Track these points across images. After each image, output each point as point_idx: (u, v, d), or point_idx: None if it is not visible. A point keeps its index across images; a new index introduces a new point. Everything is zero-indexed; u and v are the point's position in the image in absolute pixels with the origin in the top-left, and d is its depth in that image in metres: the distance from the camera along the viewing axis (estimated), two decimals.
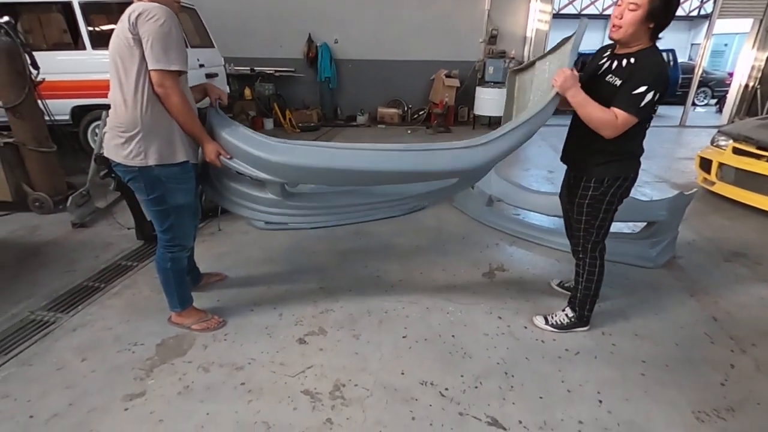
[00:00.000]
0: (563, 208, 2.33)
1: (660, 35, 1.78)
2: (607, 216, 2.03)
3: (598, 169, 1.93)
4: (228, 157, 1.93)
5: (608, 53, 1.90)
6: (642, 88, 1.69)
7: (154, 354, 2.08)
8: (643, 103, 1.70)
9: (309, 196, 2.23)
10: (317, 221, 2.09)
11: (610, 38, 1.82)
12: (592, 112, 1.78)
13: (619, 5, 1.74)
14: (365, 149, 1.98)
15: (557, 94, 1.82)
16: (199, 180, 2.10)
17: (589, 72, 1.95)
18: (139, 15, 1.67)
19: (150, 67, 1.71)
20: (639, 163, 1.97)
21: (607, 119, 1.76)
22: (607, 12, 16.99)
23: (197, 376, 1.95)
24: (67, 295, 2.55)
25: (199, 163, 2.03)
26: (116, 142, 1.83)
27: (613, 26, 1.77)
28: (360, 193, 2.33)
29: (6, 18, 3.42)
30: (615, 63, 1.82)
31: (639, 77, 1.71)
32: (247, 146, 1.92)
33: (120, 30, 1.72)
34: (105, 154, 1.91)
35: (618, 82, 1.77)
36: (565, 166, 2.18)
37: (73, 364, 2.02)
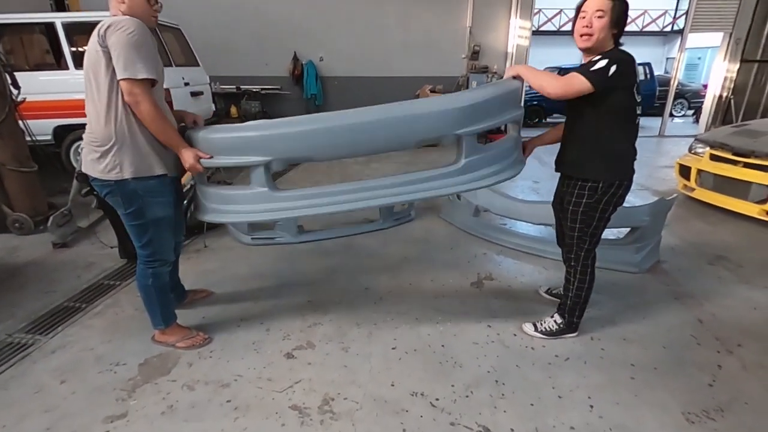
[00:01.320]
0: (556, 217, 2.34)
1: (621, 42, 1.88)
2: (600, 224, 2.05)
3: (592, 170, 1.96)
4: (208, 157, 1.88)
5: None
6: (600, 62, 1.78)
7: (136, 374, 2.03)
8: (594, 67, 1.77)
9: (297, 191, 2.12)
10: (307, 212, 1.98)
11: (581, 49, 1.89)
12: (541, 76, 1.90)
13: (584, 17, 1.83)
14: (347, 111, 1.93)
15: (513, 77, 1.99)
16: (185, 199, 2.07)
17: None
18: (109, 27, 1.68)
19: (118, 77, 1.70)
20: (633, 170, 2.01)
21: (558, 79, 1.85)
22: None
23: (182, 394, 1.90)
24: (47, 317, 2.48)
25: (192, 182, 2.00)
26: (92, 156, 1.82)
27: (583, 36, 1.84)
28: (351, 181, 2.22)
29: None
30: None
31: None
32: (225, 133, 1.92)
33: (91, 44, 1.73)
34: (83, 170, 1.88)
35: None
36: (556, 178, 2.22)
37: (52, 386, 1.95)
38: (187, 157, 1.86)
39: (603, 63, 1.76)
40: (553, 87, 1.84)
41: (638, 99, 1.90)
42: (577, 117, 1.97)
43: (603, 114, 1.87)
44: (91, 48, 1.72)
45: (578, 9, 1.87)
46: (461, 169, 2.01)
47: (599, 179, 1.95)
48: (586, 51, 1.87)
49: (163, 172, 1.90)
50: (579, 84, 1.78)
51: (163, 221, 1.98)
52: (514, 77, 2.01)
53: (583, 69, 1.80)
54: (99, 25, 1.70)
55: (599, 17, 1.78)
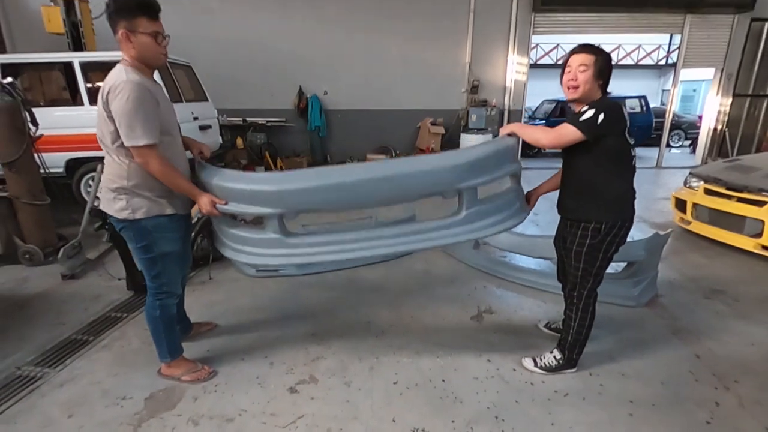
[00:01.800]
0: (558, 255, 2.41)
1: (608, 91, 2.01)
2: (604, 263, 2.12)
3: (593, 213, 2.03)
4: (223, 203, 1.99)
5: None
6: (588, 112, 1.89)
7: (142, 408, 2.06)
8: (583, 117, 1.89)
9: (307, 234, 2.24)
10: (317, 259, 2.12)
11: (569, 100, 2.02)
12: (533, 131, 2.07)
13: (569, 71, 1.97)
14: (355, 165, 2.09)
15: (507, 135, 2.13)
16: (202, 231, 2.18)
17: None
18: (109, 92, 1.76)
19: (125, 143, 1.81)
20: (633, 209, 2.10)
21: (550, 131, 1.99)
22: None
23: (187, 429, 1.93)
24: (55, 349, 2.53)
25: (198, 216, 2.11)
26: (108, 196, 1.94)
27: (569, 89, 1.97)
28: (358, 227, 2.34)
29: (10, 79, 3.58)
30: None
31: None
32: (240, 184, 2.01)
33: (99, 103, 1.82)
34: (101, 207, 1.99)
35: None
36: (556, 210, 2.28)
37: (60, 420, 1.99)
38: (203, 203, 1.96)
39: (591, 113, 1.88)
40: (547, 139, 1.98)
41: (631, 141, 2.00)
42: (573, 163, 2.08)
43: (597, 159, 1.97)
44: (99, 106, 1.82)
45: (564, 63, 2.02)
46: (463, 220, 2.11)
47: (601, 221, 2.03)
48: (574, 101, 2.00)
49: (173, 212, 2.01)
50: (571, 134, 1.91)
51: (172, 255, 2.07)
52: (509, 135, 2.14)
53: (573, 119, 1.92)
54: (102, 88, 1.79)
55: (583, 71, 1.91)
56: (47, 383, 2.24)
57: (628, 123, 1.95)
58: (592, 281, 2.14)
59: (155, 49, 1.88)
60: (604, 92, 2.00)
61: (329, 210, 2.13)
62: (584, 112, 1.90)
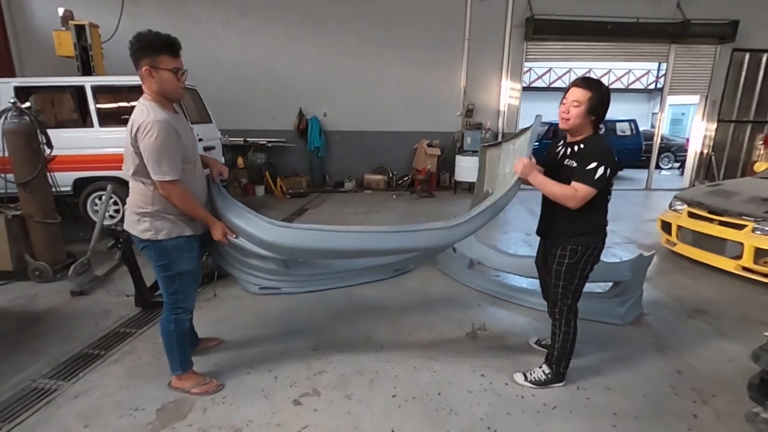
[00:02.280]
0: (539, 273, 2.59)
1: (600, 125, 2.19)
2: (581, 281, 2.30)
3: (571, 240, 2.22)
4: (234, 236, 2.20)
5: (562, 143, 2.30)
6: (593, 164, 2.05)
7: (154, 418, 2.18)
8: (596, 176, 2.05)
9: (306, 264, 2.49)
10: (313, 285, 2.35)
11: (561, 129, 2.21)
12: (552, 189, 2.16)
13: (564, 103, 2.15)
14: (353, 232, 2.33)
15: (519, 178, 2.21)
16: (207, 248, 2.34)
17: (550, 158, 2.33)
18: (138, 131, 1.92)
19: (152, 177, 1.98)
20: (606, 234, 2.28)
21: (568, 193, 2.10)
22: None
23: None
24: (68, 363, 2.64)
25: (202, 235, 2.28)
26: (133, 218, 2.11)
27: (562, 119, 2.16)
28: (349, 264, 2.63)
29: (28, 104, 3.77)
30: (569, 149, 2.21)
31: (589, 157, 2.09)
32: (249, 228, 2.22)
33: (126, 137, 1.98)
34: (125, 227, 2.15)
35: (574, 164, 2.14)
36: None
37: (76, 431, 2.09)
38: (216, 232, 2.17)
39: (601, 170, 2.03)
40: (565, 199, 2.11)
41: (613, 181, 2.18)
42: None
43: None
44: (127, 140, 1.98)
45: (564, 93, 2.19)
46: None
47: (578, 244, 2.21)
48: (565, 131, 2.19)
49: (191, 233, 2.17)
50: (590, 194, 2.06)
51: (189, 274, 2.22)
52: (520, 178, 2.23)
53: (583, 175, 2.06)
54: (131, 124, 1.95)
55: (576, 107, 2.09)
56: (62, 395, 2.35)
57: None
58: (572, 298, 2.31)
59: (175, 84, 2.04)
60: (596, 128, 2.16)
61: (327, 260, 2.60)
62: (593, 170, 2.04)
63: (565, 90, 2.18)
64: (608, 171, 2.05)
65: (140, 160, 1.98)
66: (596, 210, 2.19)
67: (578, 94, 2.09)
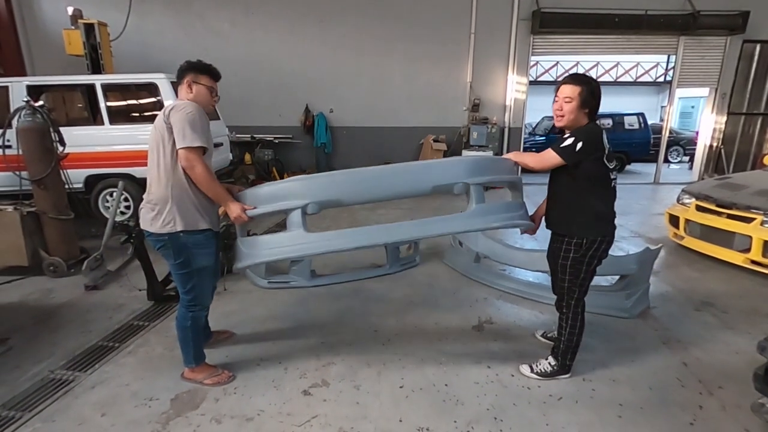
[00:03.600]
0: (550, 268, 2.60)
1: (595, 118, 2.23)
2: (588, 275, 2.32)
3: (575, 228, 2.25)
4: (252, 208, 2.25)
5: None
6: (568, 139, 2.13)
7: (168, 408, 2.24)
8: (563, 144, 2.13)
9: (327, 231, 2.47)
10: (339, 245, 2.32)
11: (556, 126, 2.25)
12: (527, 158, 2.36)
13: (557, 101, 2.20)
14: (376, 167, 2.42)
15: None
16: (224, 250, 2.40)
17: None
18: (173, 108, 2.10)
19: (177, 146, 2.07)
20: (613, 227, 2.30)
21: (536, 156, 2.26)
22: None
23: (210, 427, 2.11)
24: (84, 355, 2.72)
25: (220, 231, 2.32)
26: (151, 215, 2.16)
27: (557, 117, 2.20)
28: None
29: (41, 102, 3.84)
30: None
31: (570, 135, 2.15)
32: (270, 186, 2.32)
33: (158, 121, 2.13)
34: (142, 227, 2.21)
35: None
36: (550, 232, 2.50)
37: (94, 419, 2.16)
38: (233, 209, 2.22)
39: (570, 140, 2.12)
40: (532, 162, 2.28)
41: (610, 165, 2.20)
42: (557, 183, 2.31)
43: (577, 181, 2.20)
44: (158, 124, 2.11)
45: (555, 92, 2.24)
46: (473, 213, 2.35)
47: (583, 236, 2.23)
48: (562, 128, 2.22)
49: (207, 227, 2.23)
50: (552, 159, 2.17)
51: (206, 270, 2.29)
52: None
53: (555, 145, 2.17)
54: (165, 107, 2.13)
55: (568, 102, 2.14)
56: (79, 386, 2.42)
57: (606, 149, 2.15)
58: (578, 291, 2.33)
59: (208, 99, 2.26)
60: (591, 119, 2.20)
61: (352, 201, 2.38)
62: (565, 138, 2.14)
63: (556, 89, 2.24)
64: (578, 144, 2.09)
65: (169, 135, 2.07)
66: (588, 196, 2.20)
67: (568, 90, 2.15)
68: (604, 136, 2.15)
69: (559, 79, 18.75)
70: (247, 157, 8.55)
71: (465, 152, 8.54)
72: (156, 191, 2.15)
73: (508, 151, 8.06)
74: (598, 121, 2.25)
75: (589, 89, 2.14)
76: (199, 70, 2.22)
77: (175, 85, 2.52)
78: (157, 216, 2.13)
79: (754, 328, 3.04)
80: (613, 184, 2.25)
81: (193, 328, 2.32)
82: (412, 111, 9.14)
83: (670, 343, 2.88)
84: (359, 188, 2.32)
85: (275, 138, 8.82)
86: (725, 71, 8.83)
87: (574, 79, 2.18)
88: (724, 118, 9.09)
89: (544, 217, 2.50)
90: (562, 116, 2.17)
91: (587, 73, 2.24)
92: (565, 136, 2.16)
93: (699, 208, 4.46)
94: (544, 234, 2.57)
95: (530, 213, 2.55)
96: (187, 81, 2.19)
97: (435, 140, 8.78)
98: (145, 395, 2.34)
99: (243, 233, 2.42)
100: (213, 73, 2.28)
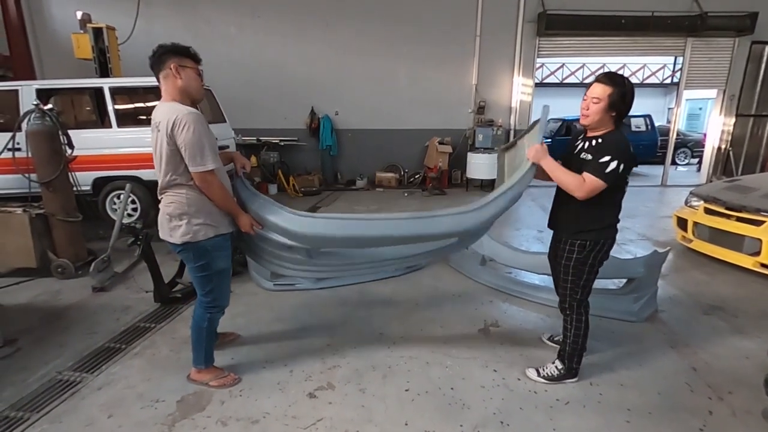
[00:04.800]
0: (552, 269, 2.59)
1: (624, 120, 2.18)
2: (590, 277, 2.30)
3: (579, 235, 2.23)
4: (260, 227, 2.27)
5: (581, 137, 2.29)
6: (606, 158, 2.05)
7: (175, 410, 2.25)
8: (608, 170, 2.04)
9: (329, 255, 2.54)
10: (335, 276, 2.43)
11: (581, 124, 2.21)
12: (561, 175, 2.16)
13: (585, 99, 2.15)
14: (376, 219, 2.40)
15: (533, 164, 2.24)
16: (235, 240, 2.41)
17: (568, 152, 2.32)
18: (174, 126, 1.99)
19: (191, 170, 2.05)
20: (616, 231, 2.27)
21: (576, 181, 2.11)
22: (587, 80, 18.32)
23: (216, 429, 2.11)
24: (91, 356, 2.73)
25: (234, 231, 2.33)
26: (169, 227, 2.15)
27: (582, 115, 2.17)
28: (372, 254, 2.66)
29: (50, 105, 3.88)
30: (587, 143, 2.20)
31: (604, 150, 2.09)
32: (274, 218, 2.29)
33: (161, 136, 2.03)
34: (161, 236, 2.21)
35: (589, 157, 2.13)
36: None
37: (101, 420, 2.17)
38: (243, 223, 2.24)
39: (614, 165, 2.02)
40: (579, 193, 2.09)
41: (629, 177, 2.18)
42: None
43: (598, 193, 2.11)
44: (161, 139, 2.03)
45: (587, 88, 2.17)
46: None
47: (586, 239, 2.21)
48: (585, 127, 2.19)
49: (226, 231, 2.25)
50: (599, 186, 2.05)
51: (225, 272, 2.31)
52: (533, 163, 2.25)
53: (598, 170, 2.05)
54: (165, 123, 2.00)
55: (596, 103, 2.08)
56: (86, 387, 2.43)
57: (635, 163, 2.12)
58: (581, 293, 2.31)
59: (198, 84, 2.16)
60: (617, 124, 2.14)
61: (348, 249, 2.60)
62: (606, 163, 2.03)
63: (588, 85, 2.17)
64: (621, 167, 2.04)
65: (179, 158, 2.04)
66: (606, 206, 2.17)
67: (599, 90, 2.08)
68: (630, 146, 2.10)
69: (565, 81, 18.75)
70: (253, 159, 8.57)
71: (470, 155, 8.53)
72: (170, 208, 2.13)
73: None
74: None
75: (621, 92, 2.05)
76: (180, 53, 2.08)
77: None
78: (175, 228, 2.13)
79: (765, 333, 3.00)
80: (625, 189, 2.24)
81: (209, 329, 2.34)
82: (417, 113, 9.15)
83: (679, 347, 2.85)
84: (356, 245, 2.49)
85: (281, 140, 8.85)
86: (733, 73, 8.76)
87: (609, 78, 2.08)
88: (733, 120, 9.01)
89: (549, 219, 2.47)
90: (588, 116, 2.12)
91: (583, 99, 2.17)
92: (604, 159, 2.04)
93: (708, 211, 4.41)
94: (549, 235, 2.56)
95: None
96: (173, 66, 2.05)
97: (440, 142, 8.78)
98: (151, 397, 2.34)
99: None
100: (194, 57, 2.14)
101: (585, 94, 2.16)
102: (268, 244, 2.45)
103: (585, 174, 2.09)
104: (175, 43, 2.11)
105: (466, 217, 2.38)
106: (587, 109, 2.12)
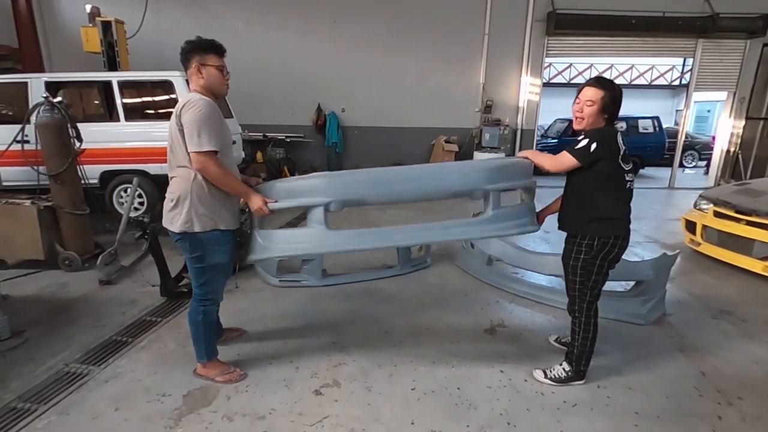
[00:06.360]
0: (564, 270, 2.57)
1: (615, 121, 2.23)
2: (599, 278, 2.28)
3: (586, 228, 2.22)
4: (273, 201, 2.23)
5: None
6: (582, 141, 2.14)
7: (181, 404, 2.25)
8: (578, 146, 2.13)
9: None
10: (358, 246, 2.37)
11: (575, 129, 2.23)
12: (542, 158, 2.35)
13: (578, 103, 2.18)
14: (399, 168, 2.44)
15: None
16: (238, 249, 2.40)
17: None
18: (184, 106, 2.05)
19: (188, 149, 2.05)
20: (626, 229, 2.25)
21: (552, 158, 2.26)
22: None
23: (222, 425, 2.11)
24: (98, 349, 2.74)
25: (237, 231, 2.32)
26: (171, 214, 2.17)
27: (576, 119, 2.19)
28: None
29: (59, 98, 3.89)
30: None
31: (585, 137, 2.16)
32: (294, 181, 2.32)
33: (172, 120, 2.11)
34: (163, 224, 2.22)
35: None
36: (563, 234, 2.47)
37: (107, 413, 2.18)
38: (255, 201, 2.20)
39: (585, 142, 2.12)
40: (549, 164, 2.26)
41: (626, 167, 2.18)
42: (571, 182, 2.30)
43: (590, 180, 2.18)
44: (172, 124, 2.10)
45: (578, 92, 2.21)
46: (489, 219, 2.35)
47: (594, 236, 2.20)
48: (580, 131, 2.19)
49: (225, 228, 2.23)
50: (568, 161, 2.17)
51: (220, 267, 2.29)
52: (524, 157, 2.42)
53: (570, 147, 2.16)
54: (181, 103, 2.08)
55: (589, 106, 2.13)
56: (93, 380, 2.44)
57: (622, 150, 2.14)
58: (589, 295, 2.30)
59: (220, 79, 2.20)
60: (609, 124, 2.19)
61: (375, 202, 2.42)
62: (580, 140, 2.13)
63: (578, 90, 2.22)
64: (593, 145, 2.09)
65: (181, 139, 2.06)
66: (608, 195, 2.18)
67: (591, 93, 2.14)
68: (620, 137, 2.15)
69: (573, 81, 18.65)
70: (259, 155, 8.60)
71: (477, 154, 8.50)
72: (176, 192, 2.15)
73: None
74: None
75: (612, 96, 2.13)
76: (203, 49, 2.14)
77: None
78: (176, 216, 2.14)
79: None
80: (628, 185, 2.22)
81: (204, 322, 2.33)
82: (423, 111, 9.12)
83: (687, 351, 2.83)
84: (383, 189, 2.31)
85: (287, 137, 8.85)
86: (744, 75, 8.67)
87: (599, 83, 2.16)
88: (742, 123, 8.93)
89: (557, 218, 2.46)
90: (582, 119, 2.16)
91: (575, 103, 2.22)
92: (579, 138, 2.16)
93: (717, 214, 4.38)
94: (557, 237, 2.54)
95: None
96: (195, 66, 2.12)
97: (447, 141, 8.74)
98: (157, 391, 2.35)
99: (260, 225, 2.40)
100: (217, 49, 2.18)
101: (577, 98, 2.20)
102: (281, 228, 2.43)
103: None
104: (199, 37, 2.18)
105: (480, 162, 2.46)
106: (581, 112, 2.17)
